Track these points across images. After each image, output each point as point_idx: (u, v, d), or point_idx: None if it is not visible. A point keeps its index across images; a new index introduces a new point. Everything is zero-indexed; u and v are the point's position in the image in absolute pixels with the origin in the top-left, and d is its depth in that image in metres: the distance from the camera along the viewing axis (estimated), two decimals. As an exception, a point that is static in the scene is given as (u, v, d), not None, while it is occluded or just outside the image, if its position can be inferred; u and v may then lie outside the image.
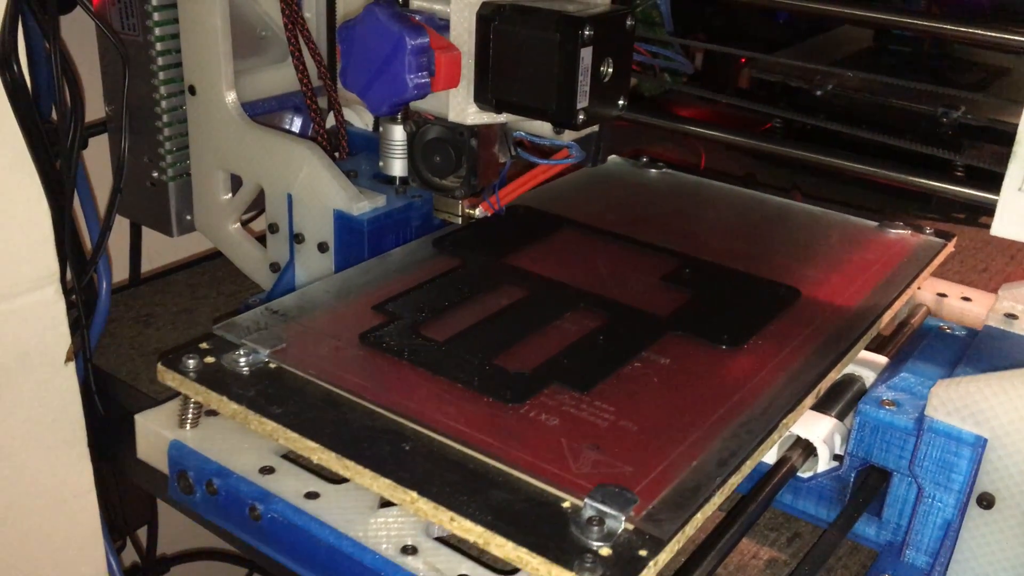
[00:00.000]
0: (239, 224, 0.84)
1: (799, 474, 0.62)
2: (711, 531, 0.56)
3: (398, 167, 0.82)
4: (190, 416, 0.58)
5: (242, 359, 0.58)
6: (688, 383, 0.59)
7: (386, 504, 0.53)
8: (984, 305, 0.73)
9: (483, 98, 0.63)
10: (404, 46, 0.60)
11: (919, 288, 0.76)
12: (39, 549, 0.70)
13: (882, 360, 0.68)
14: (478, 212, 0.67)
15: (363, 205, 0.76)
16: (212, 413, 0.58)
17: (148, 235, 0.91)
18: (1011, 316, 0.64)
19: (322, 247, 0.78)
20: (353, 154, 0.88)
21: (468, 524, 0.47)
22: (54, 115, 0.72)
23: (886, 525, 0.59)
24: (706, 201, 0.88)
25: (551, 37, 0.60)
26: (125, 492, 0.91)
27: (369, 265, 0.72)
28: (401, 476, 0.50)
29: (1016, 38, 0.58)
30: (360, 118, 0.91)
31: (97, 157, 0.86)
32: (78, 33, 0.84)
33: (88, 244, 0.78)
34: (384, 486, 0.50)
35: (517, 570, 0.48)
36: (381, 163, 0.82)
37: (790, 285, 0.71)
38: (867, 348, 0.67)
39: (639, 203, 0.86)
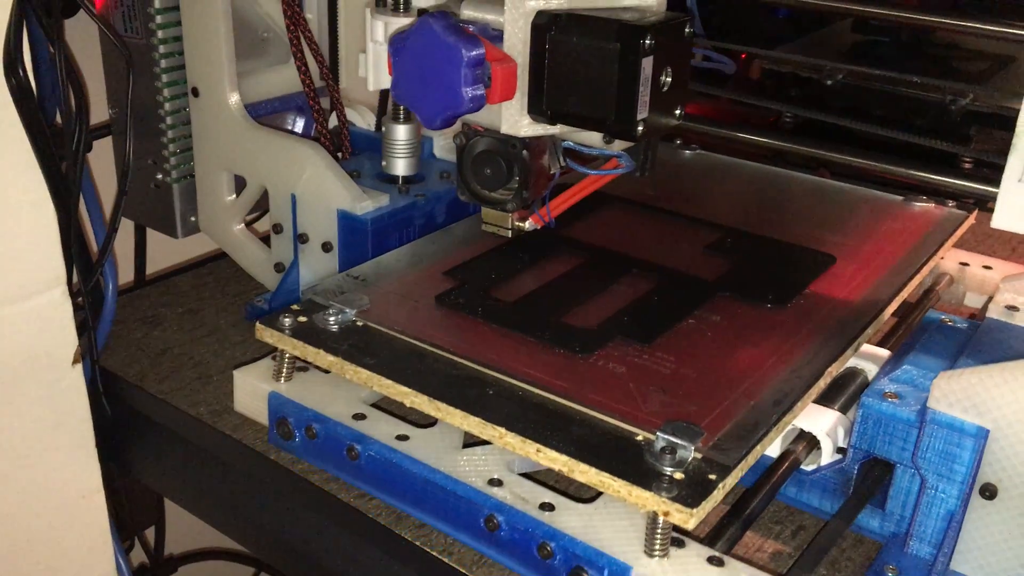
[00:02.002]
0: (243, 225, 0.85)
1: (803, 467, 0.62)
2: (715, 524, 0.57)
3: (401, 166, 0.82)
4: (284, 371, 0.66)
5: (331, 318, 0.64)
6: (739, 337, 0.64)
7: (468, 445, 0.60)
8: (1004, 273, 0.78)
9: (537, 109, 0.60)
10: (460, 58, 0.58)
11: (942, 258, 0.81)
12: (48, 550, 0.71)
13: (884, 353, 0.68)
14: (528, 225, 0.66)
15: (366, 204, 0.76)
16: (302, 369, 0.66)
17: (153, 237, 0.92)
18: (1012, 308, 0.64)
19: (326, 247, 0.78)
20: (356, 154, 0.89)
21: (553, 454, 0.53)
22: (59, 119, 0.72)
23: (890, 517, 0.59)
24: (739, 179, 0.94)
25: (611, 47, 0.57)
26: (133, 493, 0.91)
27: (434, 236, 0.78)
28: (489, 415, 0.56)
29: (1012, 31, 0.58)
30: (362, 118, 0.92)
31: (102, 159, 0.87)
32: (82, 36, 0.84)
33: (94, 246, 0.78)
34: (474, 424, 0.56)
35: (591, 499, 0.55)
36: (384, 163, 0.83)
37: (826, 253, 0.76)
38: (870, 341, 0.68)
39: (676, 182, 0.92)
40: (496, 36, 0.61)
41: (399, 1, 0.76)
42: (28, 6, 0.66)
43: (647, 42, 0.57)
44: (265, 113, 0.89)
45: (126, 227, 0.89)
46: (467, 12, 0.63)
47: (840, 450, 0.62)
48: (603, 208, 0.82)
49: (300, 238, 0.79)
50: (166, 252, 0.96)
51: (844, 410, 0.64)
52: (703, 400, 0.57)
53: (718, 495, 0.51)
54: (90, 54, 0.84)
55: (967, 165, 1.04)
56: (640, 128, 0.58)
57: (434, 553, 0.58)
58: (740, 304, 0.68)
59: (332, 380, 0.65)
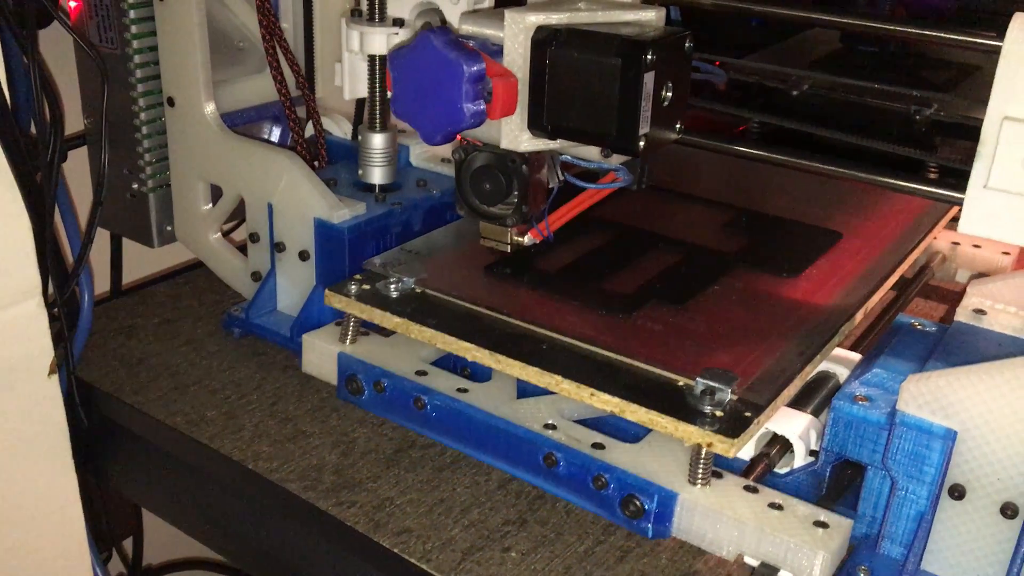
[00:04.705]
0: (220, 234, 0.85)
1: (776, 470, 0.63)
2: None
3: (378, 175, 0.83)
4: (350, 333, 0.72)
5: (392, 286, 0.70)
6: (760, 301, 0.72)
7: (521, 396, 0.67)
8: (993, 251, 0.88)
9: (538, 124, 0.60)
10: (461, 74, 0.57)
11: (935, 238, 0.89)
12: (25, 561, 0.70)
13: (855, 357, 0.70)
14: (527, 240, 0.66)
15: (343, 213, 0.76)
16: (365, 334, 0.73)
17: (129, 246, 0.91)
18: (980, 312, 0.65)
19: (303, 255, 0.78)
20: (332, 163, 0.89)
21: (606, 397, 0.60)
22: (33, 129, 0.72)
23: (861, 518, 0.60)
24: (744, 166, 0.97)
25: (612, 62, 0.57)
26: (110, 503, 0.91)
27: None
28: (545, 365, 0.62)
29: (978, 40, 0.59)
30: (339, 127, 0.92)
31: (77, 169, 0.87)
32: (57, 44, 0.84)
33: (69, 257, 0.78)
34: (532, 374, 0.62)
35: (636, 441, 0.62)
36: (360, 171, 0.83)
37: (833, 230, 0.83)
38: (841, 345, 0.70)
39: (687, 168, 0.98)
40: (496, 51, 0.61)
41: (374, 11, 0.77)
42: (1, 17, 0.66)
43: (649, 57, 0.57)
44: (241, 122, 0.89)
45: (102, 236, 0.89)
46: (466, 27, 0.63)
47: (812, 453, 0.63)
48: (623, 192, 0.86)
49: (277, 247, 0.80)
50: (142, 261, 0.96)
51: (816, 413, 0.65)
52: (735, 352, 0.64)
53: (754, 429, 0.58)
54: (65, 62, 0.84)
55: (932, 174, 1.05)
56: (642, 143, 0.59)
57: (413, 560, 0.59)
58: (758, 274, 0.75)
59: (392, 343, 0.72)
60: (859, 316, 0.71)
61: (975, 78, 1.22)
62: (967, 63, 1.25)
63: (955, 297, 0.89)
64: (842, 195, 0.91)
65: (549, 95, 0.60)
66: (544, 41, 0.59)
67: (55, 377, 0.69)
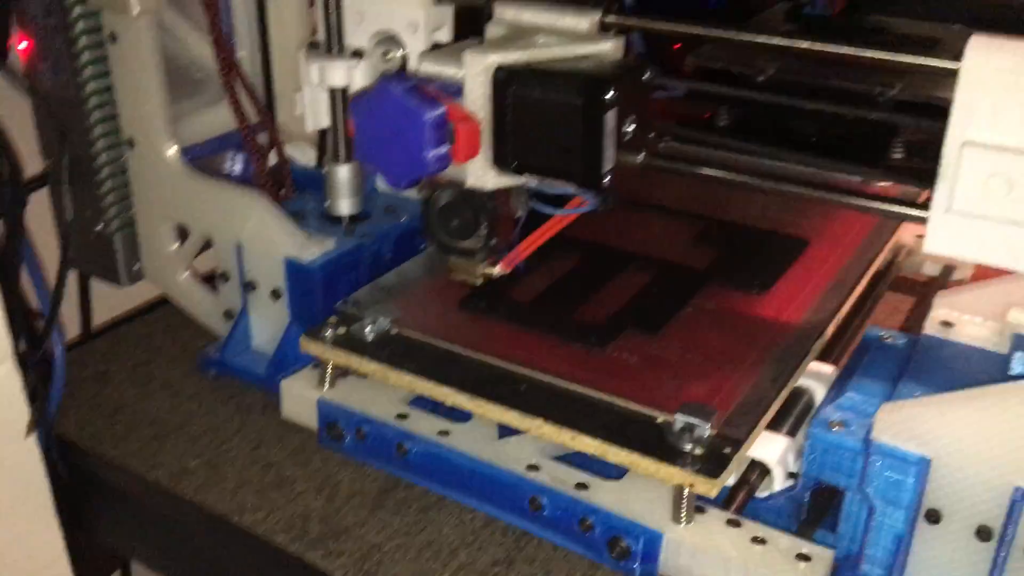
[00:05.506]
0: (190, 272, 0.84)
1: (756, 495, 0.64)
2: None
3: (345, 206, 0.82)
4: (328, 378, 0.71)
5: (367, 328, 0.69)
6: (733, 322, 0.72)
7: (503, 436, 0.67)
8: None
9: (503, 162, 0.60)
10: (422, 122, 0.57)
11: (899, 234, 0.90)
12: (14, 620, 0.70)
13: (827, 370, 0.70)
14: (497, 271, 0.66)
15: (313, 251, 0.76)
16: (343, 374, 0.72)
17: (98, 282, 0.90)
18: (947, 324, 0.66)
19: (275, 294, 0.78)
20: (298, 190, 0.88)
21: (587, 440, 0.60)
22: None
23: (842, 539, 0.61)
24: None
25: (574, 102, 0.57)
26: (98, 556, 0.91)
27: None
28: (525, 408, 0.62)
29: (935, 64, 0.59)
30: (303, 154, 0.91)
31: (36, 211, 0.85)
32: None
33: (34, 300, 0.77)
34: (513, 418, 0.62)
35: (619, 477, 0.63)
36: (327, 203, 0.82)
37: (799, 236, 0.83)
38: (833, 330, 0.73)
39: (651, 174, 0.93)
40: (457, 91, 0.61)
41: (332, 43, 0.76)
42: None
43: (609, 96, 0.57)
44: (204, 154, 0.88)
45: (70, 276, 0.87)
46: (426, 67, 0.63)
47: (792, 475, 0.64)
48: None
49: (248, 286, 0.79)
50: (113, 302, 0.94)
51: (793, 432, 0.66)
52: (711, 382, 0.64)
53: (734, 466, 0.58)
54: (22, 99, 0.82)
55: (897, 155, 1.06)
56: (607, 180, 0.59)
57: (404, 610, 0.59)
58: (729, 291, 0.76)
59: (372, 383, 0.71)
60: (830, 330, 0.72)
61: (935, 52, 1.22)
62: (927, 36, 1.26)
63: (922, 289, 0.91)
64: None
65: (512, 135, 0.60)
66: (505, 81, 0.59)
67: (33, 437, 0.68)
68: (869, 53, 0.62)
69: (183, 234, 0.83)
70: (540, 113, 0.59)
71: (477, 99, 0.60)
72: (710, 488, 0.57)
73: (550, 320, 0.72)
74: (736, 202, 0.91)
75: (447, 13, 0.74)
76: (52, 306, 0.71)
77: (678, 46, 1.30)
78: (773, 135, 1.06)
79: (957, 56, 0.56)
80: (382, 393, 0.70)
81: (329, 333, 0.70)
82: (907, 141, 1.03)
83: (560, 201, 0.69)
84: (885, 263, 0.89)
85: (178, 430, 0.75)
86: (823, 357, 0.73)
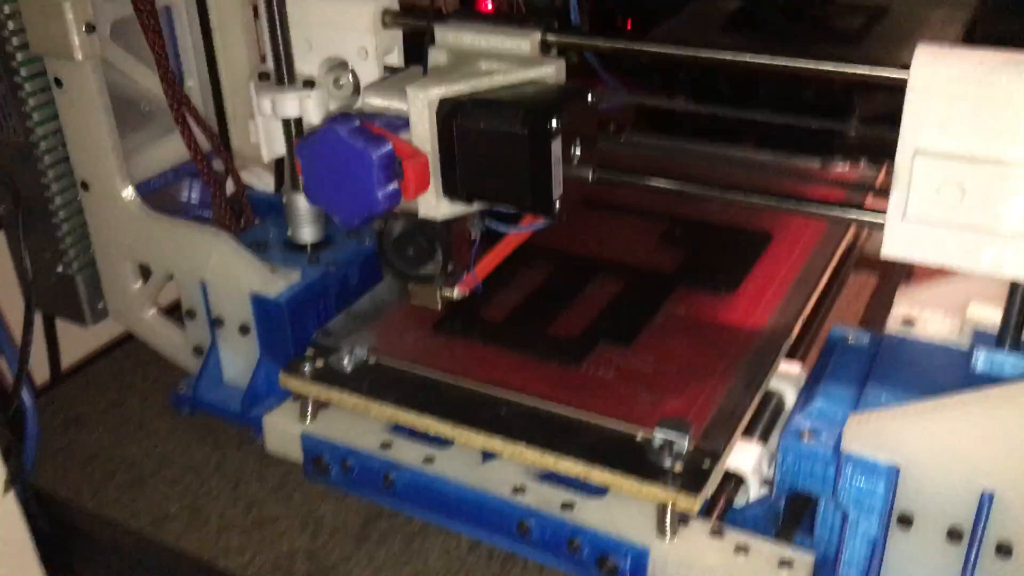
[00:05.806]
0: (155, 310, 0.83)
1: (733, 505, 0.65)
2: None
3: (308, 234, 0.82)
4: (309, 411, 0.71)
5: (345, 359, 0.70)
6: (703, 327, 0.73)
7: (486, 459, 0.67)
8: None
9: (453, 192, 0.61)
10: (370, 162, 0.57)
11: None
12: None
13: (794, 370, 0.72)
14: (456, 294, 0.66)
15: (279, 285, 0.76)
16: (324, 406, 0.71)
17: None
18: (909, 322, 0.68)
19: (243, 329, 0.78)
20: (259, 216, 0.88)
21: (569, 463, 0.61)
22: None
23: (819, 544, 0.62)
24: (670, 162, 0.99)
25: (519, 132, 0.57)
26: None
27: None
28: (507, 433, 0.63)
29: (884, 74, 0.60)
30: (259, 180, 0.90)
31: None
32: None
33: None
34: (496, 445, 0.63)
35: (603, 492, 0.63)
36: (289, 231, 0.82)
37: (762, 230, 0.85)
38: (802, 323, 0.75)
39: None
40: (404, 124, 0.61)
41: (282, 74, 0.75)
42: None
43: (553, 125, 0.57)
44: (160, 186, 0.87)
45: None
46: (371, 100, 0.63)
47: (767, 481, 0.66)
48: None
49: (215, 322, 0.79)
50: (80, 333, 0.93)
51: (765, 438, 0.68)
52: (685, 392, 0.66)
53: (715, 479, 0.60)
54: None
55: (851, 133, 1.07)
56: (558, 204, 0.60)
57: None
58: (698, 293, 0.77)
59: (354, 413, 0.70)
60: (798, 327, 0.74)
61: (886, 22, 1.23)
62: (876, 4, 1.26)
63: (885, 268, 0.92)
64: (768, 185, 0.92)
65: (460, 166, 0.60)
66: (449, 115, 0.59)
67: (11, 493, 0.68)
68: (814, 65, 0.62)
69: (146, 272, 0.82)
70: (486, 144, 0.59)
71: (423, 132, 0.60)
72: (692, 504, 0.58)
73: (525, 338, 0.72)
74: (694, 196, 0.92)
75: (396, 36, 0.74)
76: (20, 363, 0.71)
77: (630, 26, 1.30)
78: (729, 123, 1.07)
79: (905, 66, 0.57)
80: (364, 421, 0.70)
81: (307, 368, 0.70)
82: (862, 116, 1.04)
83: (515, 217, 0.70)
84: (848, 245, 0.89)
85: (155, 474, 0.75)
86: (791, 353, 0.74)
